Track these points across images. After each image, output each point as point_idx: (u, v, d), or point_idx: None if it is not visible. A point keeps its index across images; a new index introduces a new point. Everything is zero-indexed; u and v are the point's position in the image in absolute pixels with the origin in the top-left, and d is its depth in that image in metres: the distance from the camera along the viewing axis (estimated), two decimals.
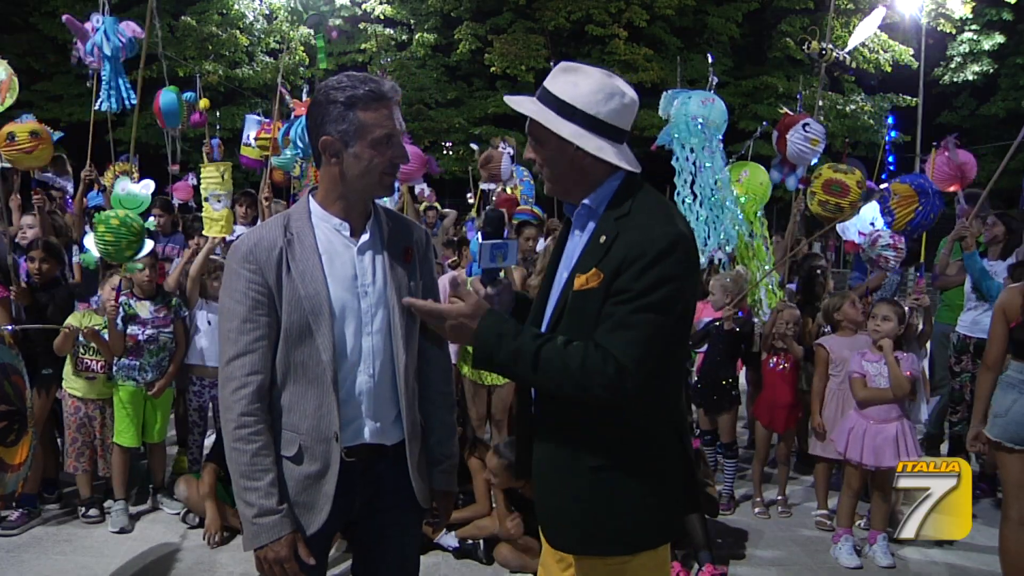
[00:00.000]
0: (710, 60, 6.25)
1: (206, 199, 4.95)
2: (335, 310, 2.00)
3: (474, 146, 8.75)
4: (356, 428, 2.05)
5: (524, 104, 1.97)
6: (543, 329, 2.00)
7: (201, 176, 5.07)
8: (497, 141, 7.33)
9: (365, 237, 2.08)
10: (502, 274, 2.12)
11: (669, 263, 1.81)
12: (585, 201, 1.98)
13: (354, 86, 1.96)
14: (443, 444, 2.23)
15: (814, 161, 5.53)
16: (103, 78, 5.43)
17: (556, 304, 1.98)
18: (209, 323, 4.83)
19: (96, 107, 5.48)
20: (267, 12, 21.26)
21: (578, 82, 1.92)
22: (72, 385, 4.48)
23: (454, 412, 2.31)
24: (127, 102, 5.46)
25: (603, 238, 1.89)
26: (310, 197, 2.10)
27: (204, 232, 5.07)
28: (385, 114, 1.97)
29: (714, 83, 5.87)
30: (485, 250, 2.06)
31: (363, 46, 22.18)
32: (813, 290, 5.59)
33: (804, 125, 5.30)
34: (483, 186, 8.04)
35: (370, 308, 2.05)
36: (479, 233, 4.94)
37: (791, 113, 5.58)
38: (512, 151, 7.08)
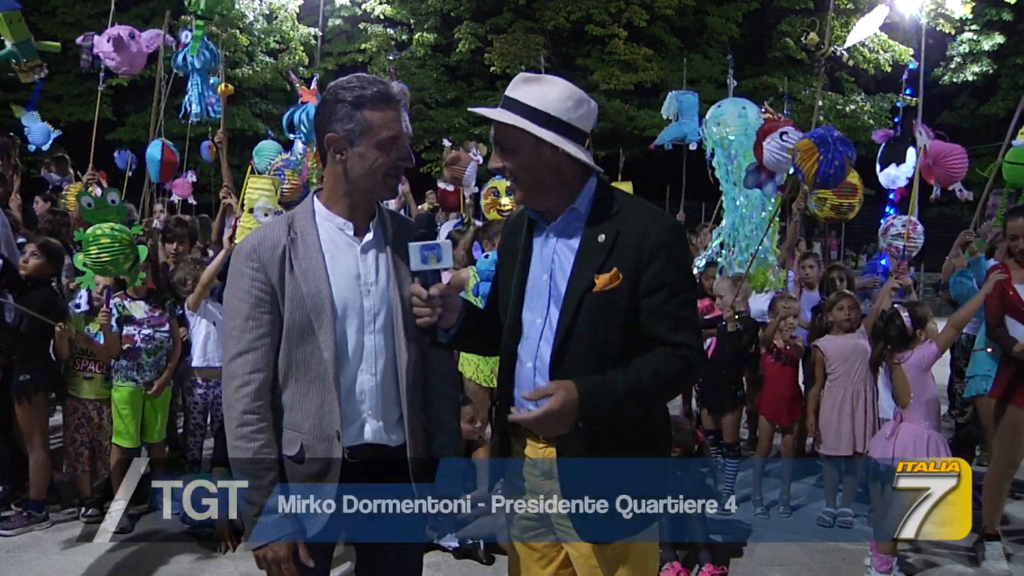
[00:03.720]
0: (731, 65, 6.35)
1: (251, 210, 4.87)
2: (337, 308, 2.00)
3: (447, 141, 8.64)
4: (358, 428, 2.05)
5: (498, 113, 1.98)
6: (554, 331, 2.00)
7: (250, 186, 5.00)
8: (470, 145, 7.28)
9: (368, 236, 2.09)
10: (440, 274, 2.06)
11: (681, 249, 2.01)
12: (573, 206, 2.02)
13: (363, 87, 1.99)
14: (446, 448, 2.22)
15: (791, 170, 5.47)
16: (190, 88, 5.71)
17: (565, 306, 1.99)
18: (215, 324, 4.80)
19: (187, 118, 5.72)
20: (267, 12, 21.23)
21: (545, 91, 1.96)
22: (72, 384, 4.47)
23: (459, 416, 2.31)
24: (211, 111, 5.74)
25: (601, 237, 1.95)
26: (315, 197, 2.11)
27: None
28: (392, 116, 1.99)
29: (733, 86, 5.96)
30: (414, 252, 1.98)
31: (363, 46, 22.17)
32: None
33: (782, 134, 5.19)
34: (440, 184, 7.95)
35: (373, 307, 2.05)
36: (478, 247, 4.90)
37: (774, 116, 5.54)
38: (481, 158, 7.01)
